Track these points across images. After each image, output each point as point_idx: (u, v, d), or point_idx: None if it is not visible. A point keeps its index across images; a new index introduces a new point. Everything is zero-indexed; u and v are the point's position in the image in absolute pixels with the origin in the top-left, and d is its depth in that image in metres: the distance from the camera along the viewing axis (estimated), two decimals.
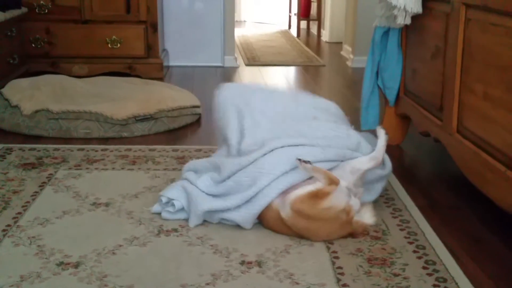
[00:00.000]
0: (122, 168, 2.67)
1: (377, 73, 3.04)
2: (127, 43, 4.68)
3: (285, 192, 2.03)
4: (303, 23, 8.33)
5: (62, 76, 3.92)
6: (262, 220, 2.08)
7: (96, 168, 2.67)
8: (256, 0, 9.65)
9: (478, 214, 2.27)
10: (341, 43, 6.48)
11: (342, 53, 6.14)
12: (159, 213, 2.17)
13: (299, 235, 2.01)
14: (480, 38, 2.14)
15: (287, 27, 8.70)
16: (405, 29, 2.93)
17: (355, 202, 2.02)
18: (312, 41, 7.46)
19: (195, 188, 2.14)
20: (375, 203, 2.25)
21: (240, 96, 2.39)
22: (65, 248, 1.92)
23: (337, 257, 1.90)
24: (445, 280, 1.77)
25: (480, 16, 2.14)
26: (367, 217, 2.08)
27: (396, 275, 1.80)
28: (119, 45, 4.67)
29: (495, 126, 2.02)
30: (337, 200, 1.97)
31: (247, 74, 5.19)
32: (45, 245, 1.94)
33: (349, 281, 1.76)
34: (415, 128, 2.87)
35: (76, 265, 1.82)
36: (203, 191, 2.13)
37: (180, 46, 5.34)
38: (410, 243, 2.00)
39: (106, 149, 2.94)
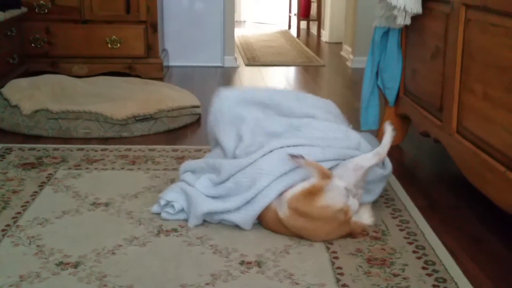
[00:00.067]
0: (122, 168, 2.67)
1: (377, 73, 3.05)
2: (127, 43, 4.68)
3: (282, 192, 2.03)
4: (303, 23, 8.33)
5: (61, 76, 3.92)
6: (262, 221, 2.08)
7: (95, 168, 2.67)
8: (256, 0, 9.66)
9: (478, 215, 2.27)
10: (341, 43, 6.48)
11: (342, 53, 6.14)
12: (159, 213, 2.17)
13: (298, 235, 2.01)
14: (480, 39, 2.14)
15: (287, 27, 8.70)
16: (405, 30, 2.93)
17: (353, 203, 2.02)
18: (312, 41, 7.46)
19: (194, 190, 2.13)
20: (375, 204, 2.25)
21: (239, 105, 2.36)
22: (65, 248, 1.92)
23: (336, 257, 1.90)
24: (444, 281, 1.77)
25: (480, 16, 2.14)
26: (365, 217, 2.08)
27: (395, 275, 1.80)
28: (119, 45, 4.67)
29: (494, 126, 2.02)
30: (334, 199, 1.97)
31: (247, 74, 5.19)
32: (45, 245, 1.94)
33: (348, 281, 1.76)
34: (415, 129, 2.87)
35: (76, 265, 1.82)
36: (202, 193, 2.13)
37: (180, 46, 5.34)
38: (410, 243, 2.00)
39: (106, 149, 2.93)
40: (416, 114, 2.81)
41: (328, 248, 1.96)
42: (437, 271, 1.82)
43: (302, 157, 2.02)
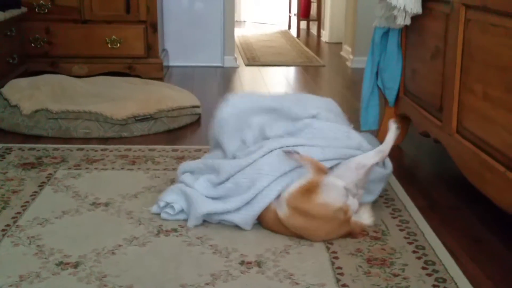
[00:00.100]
0: (122, 168, 2.67)
1: (377, 73, 3.05)
2: (127, 43, 4.68)
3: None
4: (303, 24, 8.33)
5: (61, 76, 3.92)
6: (261, 221, 2.08)
7: (95, 168, 2.67)
8: (256, 0, 9.66)
9: (478, 215, 2.27)
10: (341, 43, 6.48)
11: (342, 53, 6.14)
12: (159, 213, 2.17)
13: (298, 235, 2.01)
14: (479, 39, 2.14)
15: (287, 27, 8.70)
16: (405, 30, 2.93)
17: (353, 202, 2.02)
18: (312, 42, 7.46)
19: (194, 191, 2.13)
20: (375, 204, 2.25)
21: (246, 114, 2.34)
22: (65, 248, 1.92)
23: (336, 257, 1.90)
24: (444, 281, 1.77)
25: (479, 16, 2.14)
26: (365, 217, 2.08)
27: (395, 275, 1.80)
28: (119, 45, 4.67)
29: (494, 126, 2.02)
30: (333, 197, 1.97)
31: (247, 74, 5.19)
32: (45, 245, 1.94)
33: (348, 281, 1.76)
34: (415, 129, 2.87)
35: (76, 265, 1.82)
36: (202, 194, 2.13)
37: (180, 46, 5.34)
38: (410, 243, 2.00)
39: (105, 149, 2.93)
40: (416, 114, 2.81)
41: (328, 248, 1.96)
42: (437, 271, 1.82)
43: (297, 153, 2.02)
